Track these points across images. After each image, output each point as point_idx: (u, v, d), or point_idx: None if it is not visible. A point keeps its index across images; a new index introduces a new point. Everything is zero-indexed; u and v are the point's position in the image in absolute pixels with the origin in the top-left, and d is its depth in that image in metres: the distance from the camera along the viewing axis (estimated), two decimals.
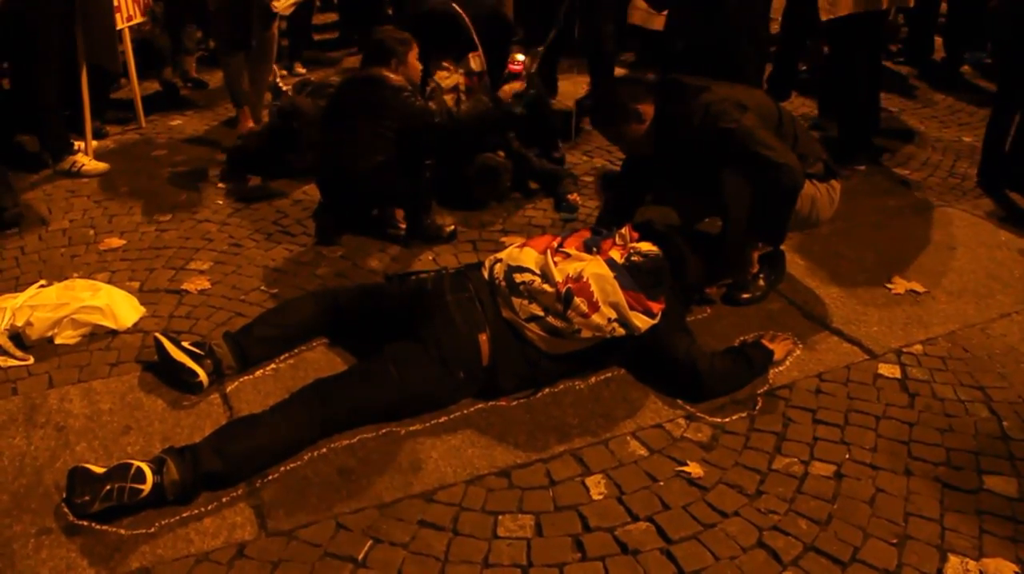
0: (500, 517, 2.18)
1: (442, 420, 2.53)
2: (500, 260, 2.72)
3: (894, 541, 2.12)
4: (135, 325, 2.98)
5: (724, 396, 2.64)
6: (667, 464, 2.37)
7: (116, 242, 3.60)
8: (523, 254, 2.70)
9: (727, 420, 2.55)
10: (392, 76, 3.48)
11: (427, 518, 2.17)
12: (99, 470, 2.15)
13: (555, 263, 2.63)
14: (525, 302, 2.58)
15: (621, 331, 2.59)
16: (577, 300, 2.54)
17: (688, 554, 2.07)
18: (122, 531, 2.11)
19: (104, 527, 2.11)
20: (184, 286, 3.25)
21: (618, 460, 2.38)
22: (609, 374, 2.74)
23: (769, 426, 2.53)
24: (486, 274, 2.70)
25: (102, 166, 4.34)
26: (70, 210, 3.91)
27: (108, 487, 2.10)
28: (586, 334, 2.57)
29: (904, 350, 2.90)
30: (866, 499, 2.25)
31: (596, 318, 2.55)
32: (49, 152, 4.36)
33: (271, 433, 2.31)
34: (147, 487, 2.12)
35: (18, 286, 3.20)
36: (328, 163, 3.62)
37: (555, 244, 2.74)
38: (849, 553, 2.08)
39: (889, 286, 3.30)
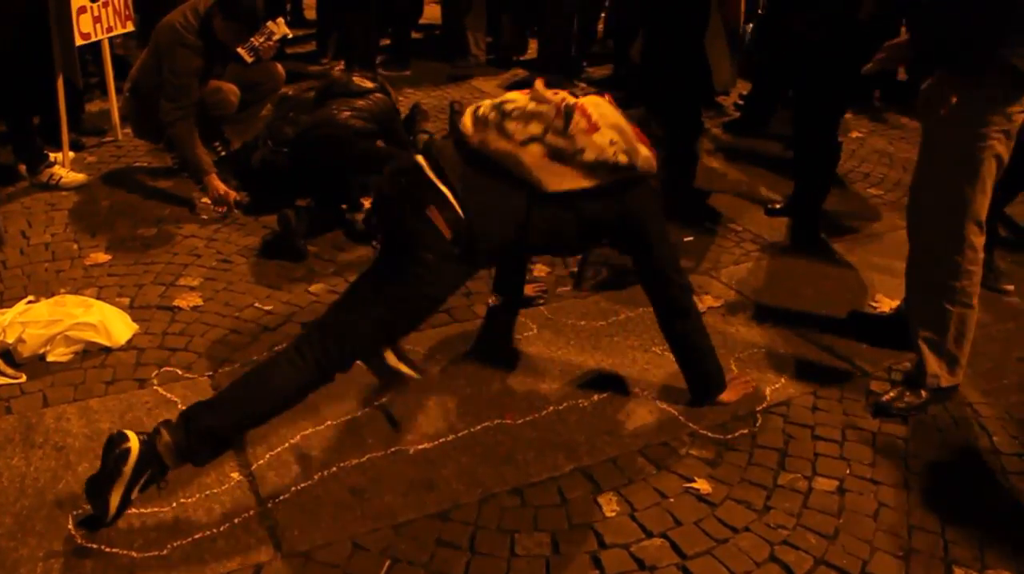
0: (516, 535, 2.19)
1: (450, 438, 2.53)
2: (482, 104, 2.47)
3: (900, 554, 2.18)
4: (128, 342, 2.93)
5: (695, 352, 2.67)
6: (675, 481, 2.40)
7: (102, 257, 3.53)
8: (507, 95, 2.50)
9: (729, 437, 2.59)
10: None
11: (444, 537, 2.17)
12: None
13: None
14: (520, 124, 2.35)
15: (624, 159, 2.40)
16: (577, 115, 2.37)
17: (704, 569, 2.11)
18: (134, 554, 2.07)
19: (115, 550, 2.07)
20: (176, 302, 3.20)
21: (627, 477, 2.41)
22: (610, 392, 2.78)
23: (771, 442, 2.58)
24: (468, 119, 2.43)
25: (80, 177, 4.25)
26: (51, 223, 3.82)
27: (105, 470, 2.08)
28: (589, 156, 2.35)
29: (893, 367, 2.98)
30: (870, 513, 2.31)
31: (598, 138, 2.37)
32: (23, 163, 4.26)
33: (267, 383, 2.25)
34: (132, 444, 2.08)
35: (3, 302, 3.12)
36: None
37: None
38: (858, 566, 2.14)
39: (874, 304, 3.39)
